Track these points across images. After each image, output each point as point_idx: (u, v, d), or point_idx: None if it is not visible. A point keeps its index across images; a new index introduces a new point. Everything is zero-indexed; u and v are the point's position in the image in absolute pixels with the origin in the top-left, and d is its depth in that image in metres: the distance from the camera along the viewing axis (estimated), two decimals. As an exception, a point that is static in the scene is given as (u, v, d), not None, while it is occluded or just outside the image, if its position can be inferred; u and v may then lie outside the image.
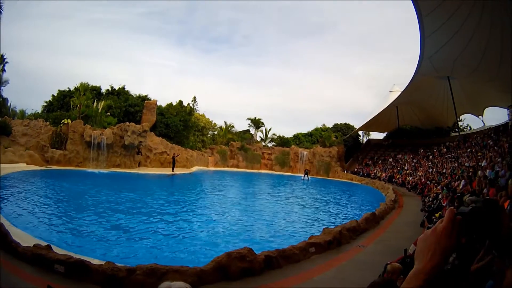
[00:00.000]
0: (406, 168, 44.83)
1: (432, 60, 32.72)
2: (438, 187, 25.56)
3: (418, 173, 38.85)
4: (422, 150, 48.40)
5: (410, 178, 38.22)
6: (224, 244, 13.59)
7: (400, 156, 51.61)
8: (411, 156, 48.81)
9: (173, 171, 40.44)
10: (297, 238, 14.35)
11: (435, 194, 24.01)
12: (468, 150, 34.34)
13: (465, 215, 1.41)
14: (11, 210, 15.61)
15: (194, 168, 47.44)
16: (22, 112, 50.17)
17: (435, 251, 1.32)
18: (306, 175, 43.90)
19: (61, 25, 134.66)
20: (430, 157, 43.68)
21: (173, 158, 41.73)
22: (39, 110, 50.55)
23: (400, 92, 46.64)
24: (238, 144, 57.55)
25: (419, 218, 18.62)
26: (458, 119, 50.32)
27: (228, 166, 54.84)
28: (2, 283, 7.34)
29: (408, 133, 60.02)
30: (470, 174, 22.83)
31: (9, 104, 48.34)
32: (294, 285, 9.09)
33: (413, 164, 45.05)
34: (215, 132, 64.96)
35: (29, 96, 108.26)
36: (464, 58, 30.25)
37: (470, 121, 59.12)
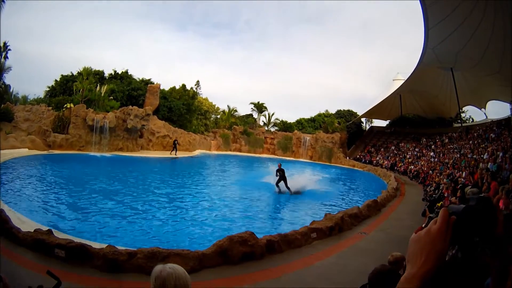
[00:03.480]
0: (408, 156, 44.78)
1: (435, 51, 32.56)
2: (440, 177, 25.51)
3: (420, 162, 38.82)
4: (424, 140, 48.37)
5: (412, 167, 38.17)
6: (226, 227, 13.61)
7: (402, 144, 51.53)
8: (414, 145, 48.75)
9: (175, 154, 40.49)
10: (299, 224, 14.16)
11: (436, 184, 24.02)
12: (470, 142, 34.27)
13: (459, 214, 1.33)
14: (13, 196, 15.51)
15: (197, 152, 47.54)
16: (25, 98, 50.09)
17: (429, 255, 1.24)
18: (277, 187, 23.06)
19: (64, 12, 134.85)
20: (433, 146, 43.60)
21: (174, 142, 41.73)
22: (42, 95, 50.55)
23: (404, 81, 46.48)
24: (241, 128, 57.57)
25: (421, 207, 18.63)
26: (461, 110, 50.21)
27: (230, 150, 54.80)
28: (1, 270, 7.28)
29: (411, 121, 59.72)
30: (472, 165, 22.77)
31: (11, 90, 48.23)
32: (295, 271, 9.04)
33: (415, 152, 45.01)
34: (218, 116, 64.90)
35: (32, 83, 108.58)
36: (467, 51, 30.04)
37: (472, 113, 58.94)
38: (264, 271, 8.76)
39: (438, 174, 27.45)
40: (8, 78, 43.88)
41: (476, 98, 45.81)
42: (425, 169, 34.08)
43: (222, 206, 17.73)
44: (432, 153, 40.10)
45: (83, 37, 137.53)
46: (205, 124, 57.05)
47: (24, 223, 10.94)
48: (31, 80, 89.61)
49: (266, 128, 65.07)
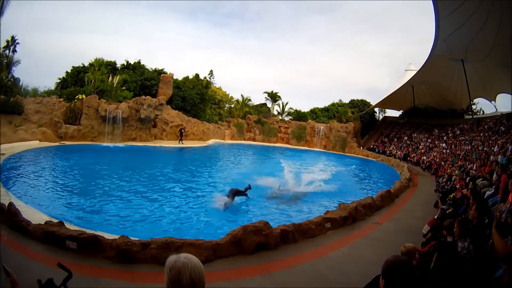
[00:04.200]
0: (421, 147, 44.44)
1: (447, 42, 32.28)
2: (452, 168, 25.32)
3: (433, 153, 38.55)
4: (437, 131, 48.04)
5: (425, 158, 37.87)
6: (239, 217, 13.72)
7: (415, 135, 51.12)
8: (426, 135, 48.33)
9: (181, 143, 40.37)
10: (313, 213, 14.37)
11: (448, 175, 23.85)
12: (481, 134, 34.04)
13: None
14: (23, 189, 15.50)
15: (211, 141, 47.13)
16: (35, 90, 49.86)
17: None
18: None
19: (73, 3, 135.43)
20: (445, 138, 43.35)
21: (180, 130, 41.53)
22: (53, 87, 50.51)
23: (416, 72, 46.20)
24: (255, 118, 57.16)
25: (433, 198, 18.49)
26: (471, 102, 49.88)
27: (244, 139, 54.32)
28: (8, 264, 7.18)
29: (424, 112, 59.22)
30: (483, 158, 22.63)
31: (20, 83, 48.25)
32: (309, 261, 8.96)
33: (428, 143, 44.69)
34: (232, 105, 63.97)
35: (42, 75, 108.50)
36: (477, 42, 29.78)
37: (483, 105, 58.45)
38: (278, 261, 8.71)
39: (450, 166, 27.22)
40: (17, 71, 43.94)
41: (486, 91, 45.45)
42: (437, 160, 33.81)
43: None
44: (444, 144, 39.87)
45: (93, 29, 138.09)
46: (219, 113, 56.61)
47: (34, 215, 10.86)
48: (40, 73, 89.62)
49: (280, 118, 64.33)
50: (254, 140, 54.67)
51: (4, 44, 46.73)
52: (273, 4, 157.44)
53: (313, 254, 9.38)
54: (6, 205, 9.62)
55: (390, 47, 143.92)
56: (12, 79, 41.51)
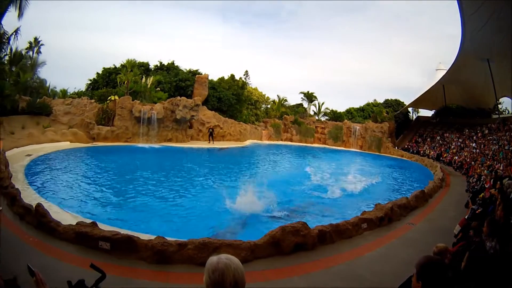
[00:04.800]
0: (452, 147, 43.81)
1: (472, 41, 31.82)
2: (482, 168, 24.97)
3: (464, 153, 38.06)
4: (467, 130, 47.30)
5: (456, 158, 37.24)
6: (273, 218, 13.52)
7: (447, 134, 50.26)
8: (457, 135, 47.61)
9: (211, 142, 40.36)
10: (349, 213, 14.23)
11: (478, 175, 23.53)
12: (507, 133, 33.54)
13: None
14: (53, 190, 15.47)
15: (248, 142, 46.92)
16: (64, 91, 50.28)
17: None
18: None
19: (104, 4, 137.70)
20: (474, 137, 42.78)
21: (209, 131, 41.38)
22: (83, 88, 50.95)
23: (446, 71, 45.70)
24: (292, 118, 56.40)
25: (464, 198, 18.18)
26: (497, 101, 49.20)
27: (281, 140, 53.99)
28: (35, 265, 7.06)
29: (454, 112, 58.51)
30: (509, 157, 22.29)
31: (47, 84, 48.68)
32: (345, 261, 8.82)
33: (459, 143, 44.09)
34: (268, 106, 64.34)
35: (72, 77, 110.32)
36: (501, 42, 29.27)
37: (508, 105, 57.86)
38: (316, 262, 8.59)
39: (479, 165, 26.88)
40: (44, 73, 44.43)
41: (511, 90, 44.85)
42: (468, 160, 33.35)
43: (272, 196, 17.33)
44: (474, 144, 39.38)
45: (123, 30, 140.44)
46: (255, 114, 56.55)
47: (64, 216, 10.83)
48: (69, 74, 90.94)
49: (317, 118, 63.97)
50: (291, 140, 54.42)
51: (27, 45, 47.48)
52: (305, 4, 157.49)
53: (349, 255, 9.26)
54: (34, 206, 9.58)
55: (421, 46, 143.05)
56: (38, 81, 41.91)
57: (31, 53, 47.89)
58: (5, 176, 13.16)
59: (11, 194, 10.82)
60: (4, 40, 22.25)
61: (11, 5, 21.72)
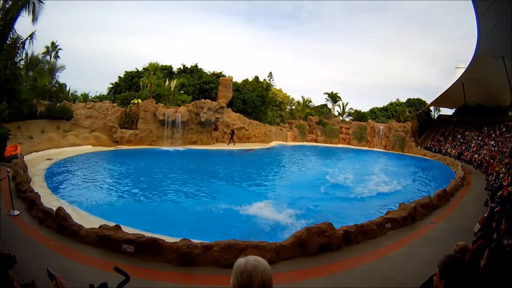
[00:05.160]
0: (473, 145, 43.57)
1: (487, 40, 31.56)
2: (500, 166, 24.81)
3: (483, 151, 37.86)
4: (485, 128, 47.02)
5: (476, 156, 37.01)
6: (300, 217, 13.51)
7: (467, 133, 49.99)
8: (477, 133, 47.34)
9: (230, 144, 40.36)
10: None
11: (496, 173, 23.38)
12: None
13: None
14: (75, 193, 15.55)
15: (273, 143, 46.76)
16: (85, 95, 50.50)
17: None
18: None
19: (126, 7, 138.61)
20: (493, 135, 42.57)
21: (230, 132, 41.34)
22: (105, 92, 51.17)
23: (465, 69, 45.45)
24: (316, 119, 56.21)
25: (484, 196, 18.06)
26: (513, 99, 48.88)
27: (307, 141, 53.70)
28: (56, 268, 7.02)
29: (474, 110, 58.18)
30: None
31: (67, 89, 48.96)
32: (370, 262, 8.78)
33: (478, 141, 43.86)
34: (293, 107, 64.11)
35: (94, 81, 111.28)
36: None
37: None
38: (341, 263, 8.55)
39: (498, 163, 26.70)
40: (64, 77, 44.73)
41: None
42: (487, 158, 33.14)
43: (296, 197, 17.70)
44: (492, 142, 39.20)
45: (146, 32, 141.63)
46: (280, 115, 56.43)
47: (87, 219, 10.80)
48: (91, 78, 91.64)
49: (341, 118, 63.88)
50: (316, 141, 54.33)
51: (44, 50, 47.86)
52: (327, 5, 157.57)
53: (374, 255, 9.21)
54: (55, 210, 9.60)
55: (441, 44, 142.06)
56: (57, 85, 42.18)
57: (48, 57, 48.29)
58: (24, 180, 13.20)
59: (30, 198, 10.89)
60: (18, 45, 22.29)
61: (24, 9, 21.78)
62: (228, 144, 40.08)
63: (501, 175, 21.88)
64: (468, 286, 2.87)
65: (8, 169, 12.65)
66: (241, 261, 2.07)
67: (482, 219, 10.25)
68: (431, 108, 66.14)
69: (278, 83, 72.21)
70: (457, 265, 2.89)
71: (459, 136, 50.13)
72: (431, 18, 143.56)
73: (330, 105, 67.75)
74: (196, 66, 52.54)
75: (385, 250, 9.58)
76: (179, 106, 36.93)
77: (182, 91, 43.05)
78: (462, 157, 40.38)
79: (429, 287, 3.64)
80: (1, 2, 20.96)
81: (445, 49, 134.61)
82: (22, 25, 22.55)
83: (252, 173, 25.00)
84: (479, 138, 44.47)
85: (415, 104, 65.75)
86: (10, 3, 21.30)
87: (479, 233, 9.40)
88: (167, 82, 40.75)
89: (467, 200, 17.86)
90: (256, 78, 52.81)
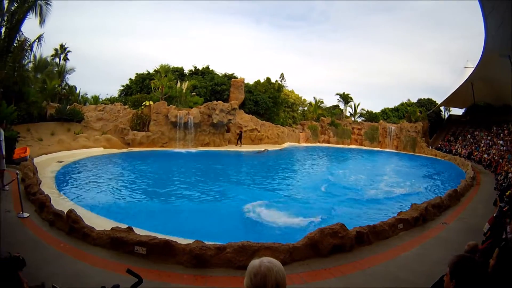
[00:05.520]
0: (482, 145, 43.56)
1: (494, 38, 31.44)
2: (508, 165, 24.72)
3: (492, 150, 37.79)
4: (494, 128, 46.95)
5: (486, 156, 36.91)
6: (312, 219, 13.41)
7: (477, 133, 49.94)
8: (486, 133, 47.39)
9: (239, 145, 40.50)
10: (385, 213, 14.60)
11: (505, 173, 23.28)
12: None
13: None
14: (86, 195, 15.59)
15: (286, 144, 47.04)
16: (96, 98, 50.63)
17: None
18: None
19: (137, 9, 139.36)
20: (501, 135, 42.55)
21: (239, 133, 41.36)
22: (115, 94, 51.26)
23: (473, 69, 45.29)
24: (329, 120, 56.93)
25: (494, 196, 18.05)
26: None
27: (319, 142, 53.92)
28: (68, 271, 7.16)
29: (483, 109, 57.99)
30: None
31: (78, 91, 49.03)
32: (382, 262, 8.76)
33: (487, 141, 43.84)
34: (305, 108, 64.37)
35: (106, 83, 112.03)
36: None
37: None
38: (353, 263, 8.53)
39: (506, 163, 26.55)
40: (75, 80, 44.95)
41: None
42: (496, 157, 33.09)
43: (308, 198, 17.80)
44: (501, 142, 39.21)
45: (155, 34, 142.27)
46: (292, 116, 56.37)
47: (98, 221, 10.78)
48: (101, 80, 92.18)
49: (353, 119, 63.98)
50: (328, 142, 54.42)
51: (53, 52, 48.00)
52: (336, 5, 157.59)
53: (386, 256, 9.20)
54: (66, 212, 9.57)
55: (450, 44, 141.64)
56: (66, 87, 42.28)
57: (57, 60, 48.41)
58: (33, 182, 13.20)
59: (40, 200, 10.88)
60: (26, 47, 22.32)
61: (31, 11, 21.80)
62: (236, 145, 40.10)
63: (510, 174, 21.86)
64: (479, 285, 2.85)
65: (17, 172, 12.67)
66: (255, 262, 2.08)
67: (491, 218, 10.31)
68: (442, 108, 65.93)
69: (290, 84, 72.37)
70: (468, 264, 2.89)
71: (469, 136, 50.09)
72: (440, 18, 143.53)
73: (342, 106, 68.04)
74: (207, 67, 52.55)
75: (397, 251, 9.56)
76: (191, 108, 36.98)
77: (194, 93, 43.03)
78: (472, 157, 40.32)
79: (440, 287, 3.70)
80: (6, 4, 20.95)
81: (455, 49, 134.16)
82: (31, 27, 22.55)
83: (264, 174, 25.11)
84: (488, 138, 44.43)
85: (426, 104, 65.59)
86: (16, 5, 21.30)
87: (489, 233, 9.45)
88: (178, 84, 40.72)
89: (477, 200, 17.82)
90: (268, 79, 52.74)
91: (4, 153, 14.06)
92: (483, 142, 44.52)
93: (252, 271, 2.03)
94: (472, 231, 11.36)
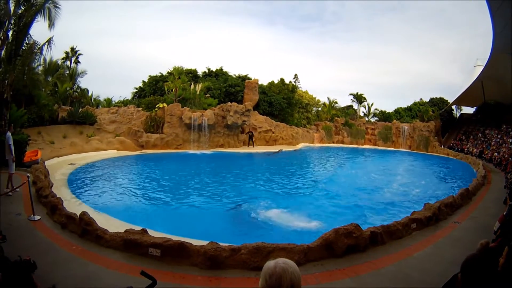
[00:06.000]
0: (492, 143, 43.41)
1: (502, 36, 31.28)
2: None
3: (502, 149, 37.63)
4: (504, 126, 46.74)
5: (496, 154, 36.75)
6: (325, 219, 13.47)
7: (487, 131, 49.80)
8: (496, 131, 47.24)
9: (250, 146, 40.52)
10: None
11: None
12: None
13: None
14: (100, 198, 15.70)
15: (300, 145, 47.08)
16: (109, 100, 50.95)
17: None
18: None
19: (149, 12, 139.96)
20: (511, 133, 42.39)
21: (249, 134, 41.27)
22: (129, 97, 51.50)
23: (483, 67, 45.10)
24: (342, 120, 57.22)
25: (504, 195, 17.86)
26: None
27: (333, 142, 53.95)
28: (80, 273, 7.20)
29: (493, 108, 57.81)
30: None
31: (90, 94, 49.20)
32: (395, 262, 8.74)
33: (497, 139, 43.69)
34: (319, 109, 64.71)
35: (118, 85, 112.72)
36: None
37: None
38: (367, 264, 8.51)
39: (516, 161, 26.33)
40: (86, 82, 45.33)
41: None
42: (506, 156, 32.87)
43: (323, 198, 17.90)
44: (511, 140, 39.13)
45: (168, 37, 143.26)
46: (307, 117, 56.46)
47: (109, 224, 10.78)
48: (114, 83, 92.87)
49: (367, 119, 64.00)
50: (342, 142, 54.52)
51: (63, 55, 48.25)
52: (347, 5, 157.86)
53: (399, 255, 9.18)
54: (78, 214, 9.61)
55: (460, 42, 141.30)
56: (78, 90, 42.51)
57: (68, 63, 48.67)
58: (45, 185, 13.26)
59: (52, 203, 10.92)
60: (35, 50, 22.35)
61: (39, 15, 21.83)
62: (248, 146, 40.18)
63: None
64: (489, 284, 2.83)
65: (28, 174, 12.73)
66: (270, 263, 2.08)
67: (501, 217, 10.21)
68: (453, 107, 65.73)
69: (304, 85, 72.58)
70: (478, 263, 2.89)
71: (479, 134, 49.88)
72: (450, 16, 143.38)
73: (355, 106, 68.41)
74: (221, 69, 52.95)
75: (410, 251, 9.55)
76: (205, 109, 37.10)
77: (208, 95, 43.14)
78: (483, 155, 40.07)
79: (452, 286, 3.71)
80: (12, 7, 21.00)
81: (466, 47, 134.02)
82: (41, 31, 22.58)
83: (278, 175, 25.08)
84: (498, 136, 44.19)
85: (438, 103, 65.54)
86: (23, 8, 21.34)
87: (499, 231, 9.38)
88: (192, 86, 40.91)
89: (488, 198, 17.73)
90: (282, 80, 52.80)
91: (13, 156, 14.16)
92: (493, 140, 44.29)
93: (267, 272, 2.04)
94: (484, 230, 11.32)
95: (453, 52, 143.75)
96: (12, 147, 14.09)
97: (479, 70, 48.38)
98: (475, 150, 43.93)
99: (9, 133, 14.11)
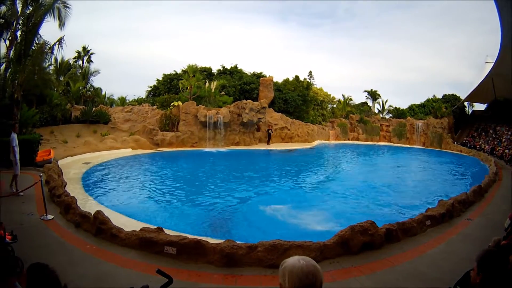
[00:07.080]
0: (503, 140, 43.27)
1: (510, 32, 31.09)
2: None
3: None
4: None
5: (507, 151, 36.51)
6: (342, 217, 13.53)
7: (498, 128, 49.59)
8: (507, 128, 47.02)
9: (268, 143, 40.58)
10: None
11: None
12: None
13: None
14: (114, 197, 15.69)
15: (316, 142, 47.18)
16: (123, 99, 51.04)
17: None
18: None
19: (162, 10, 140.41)
20: None
21: (268, 131, 41.37)
22: (143, 95, 51.61)
23: (493, 64, 44.89)
24: (357, 117, 57.29)
25: (514, 191, 17.86)
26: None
27: (349, 139, 54.79)
28: (95, 272, 7.24)
29: (503, 104, 57.57)
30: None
31: (104, 92, 49.30)
32: (410, 260, 8.73)
33: (508, 136, 43.54)
34: (334, 106, 65.12)
35: (133, 84, 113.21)
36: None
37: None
38: (382, 261, 8.50)
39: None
40: (100, 81, 45.54)
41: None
42: (516, 153, 32.45)
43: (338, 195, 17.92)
44: None
45: (182, 35, 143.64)
46: (322, 114, 56.78)
47: (124, 222, 10.80)
48: (128, 82, 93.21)
49: (381, 116, 64.24)
50: (357, 139, 54.73)
51: (75, 55, 48.40)
52: (359, 2, 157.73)
53: (414, 252, 9.19)
54: (93, 213, 9.66)
55: (472, 39, 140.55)
56: (91, 89, 42.66)
57: (80, 62, 48.84)
58: (58, 184, 13.31)
59: (66, 202, 10.95)
60: (46, 50, 22.38)
61: (48, 15, 21.83)
62: (268, 144, 40.26)
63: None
64: (506, 279, 2.88)
65: (41, 174, 12.76)
66: (290, 261, 2.06)
67: (511, 214, 10.20)
68: (465, 103, 65.52)
69: (318, 82, 72.64)
70: (495, 258, 2.95)
71: (491, 131, 49.59)
72: (460, 13, 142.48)
73: (370, 103, 68.57)
74: (235, 67, 52.86)
75: (424, 248, 9.54)
76: (220, 107, 37.17)
77: (223, 92, 43.15)
78: (494, 152, 39.86)
79: (465, 283, 3.83)
80: (20, 7, 21.03)
81: (477, 43, 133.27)
82: (52, 31, 22.60)
83: (294, 172, 25.09)
84: (509, 133, 43.93)
85: (451, 100, 65.10)
86: (31, 8, 21.36)
87: (509, 228, 9.35)
88: (207, 84, 40.95)
89: (500, 195, 17.65)
90: (297, 77, 52.96)
91: (18, 158, 13.95)
92: (504, 137, 44.07)
93: (287, 270, 2.03)
94: (496, 227, 11.20)
95: (465, 49, 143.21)
96: (17, 149, 13.74)
97: (489, 66, 48.16)
98: (486, 147, 43.71)
99: (13, 134, 13.73)
